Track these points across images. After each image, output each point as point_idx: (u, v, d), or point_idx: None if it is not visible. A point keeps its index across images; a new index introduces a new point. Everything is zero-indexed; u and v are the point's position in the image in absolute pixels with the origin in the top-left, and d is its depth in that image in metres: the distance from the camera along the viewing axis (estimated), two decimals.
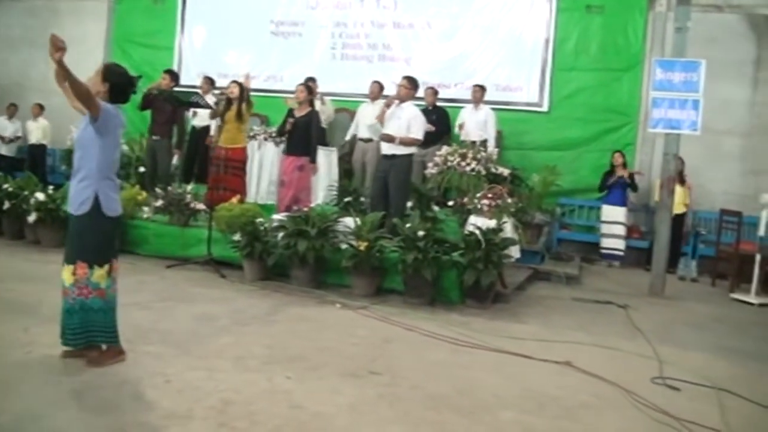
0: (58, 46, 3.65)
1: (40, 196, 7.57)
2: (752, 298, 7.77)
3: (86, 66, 12.49)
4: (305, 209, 7.10)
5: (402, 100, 7.58)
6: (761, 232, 8.05)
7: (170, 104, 8.50)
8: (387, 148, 7.58)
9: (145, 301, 5.71)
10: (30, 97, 12.62)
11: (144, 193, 7.93)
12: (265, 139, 9.12)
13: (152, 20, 12.67)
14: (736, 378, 4.80)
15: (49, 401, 3.50)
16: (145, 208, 7.78)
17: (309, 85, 8.37)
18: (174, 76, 9.25)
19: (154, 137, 8.89)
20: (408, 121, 7.46)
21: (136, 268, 7.01)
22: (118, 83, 4.06)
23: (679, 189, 8.85)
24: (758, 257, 7.96)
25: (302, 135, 8.01)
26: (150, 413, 3.44)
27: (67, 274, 4.01)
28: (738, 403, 4.30)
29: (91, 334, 4.03)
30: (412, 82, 7.66)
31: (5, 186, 8.05)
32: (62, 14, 13.38)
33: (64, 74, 3.73)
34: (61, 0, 13.46)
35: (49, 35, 3.69)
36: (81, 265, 3.98)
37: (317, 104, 9.35)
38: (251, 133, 9.13)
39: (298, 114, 8.05)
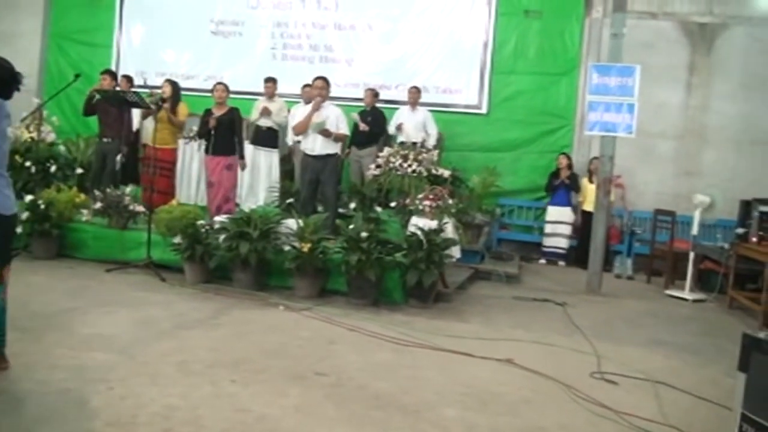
0: None
1: None
2: (686, 294, 8.09)
3: (22, 63, 12.14)
4: (244, 210, 7.08)
5: (324, 100, 7.71)
6: (694, 230, 8.38)
7: (112, 105, 8.33)
8: (320, 149, 7.65)
9: (85, 306, 5.61)
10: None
11: (82, 196, 7.76)
12: (198, 140, 9.02)
13: (90, 17, 12.34)
14: (671, 370, 5.01)
15: None
16: (84, 211, 7.62)
17: (225, 84, 8.26)
18: (113, 76, 9.08)
19: (104, 140, 8.68)
20: (336, 118, 7.68)
21: (75, 272, 6.90)
22: (2, 76, 3.75)
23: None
24: (692, 255, 8.31)
25: (226, 134, 7.93)
26: (94, 421, 3.40)
27: None
28: (674, 395, 4.49)
29: None
30: (328, 82, 7.87)
31: None
32: None
33: None
34: None
35: None
36: None
37: (275, 106, 9.35)
38: (190, 134, 9.02)
39: (218, 113, 7.93)
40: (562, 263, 9.89)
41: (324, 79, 7.84)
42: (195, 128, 9.16)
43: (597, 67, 8.32)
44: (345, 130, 7.79)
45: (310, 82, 9.74)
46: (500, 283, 8.17)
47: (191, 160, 8.98)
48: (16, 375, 3.93)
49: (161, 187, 8.06)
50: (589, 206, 9.34)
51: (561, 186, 9.89)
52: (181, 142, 8.91)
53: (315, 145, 7.67)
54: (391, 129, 9.73)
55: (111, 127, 8.65)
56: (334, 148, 7.67)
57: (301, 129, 7.78)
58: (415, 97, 9.83)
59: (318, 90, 7.74)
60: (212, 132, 7.88)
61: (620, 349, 5.51)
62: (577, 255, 9.66)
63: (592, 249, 8.22)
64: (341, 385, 4.18)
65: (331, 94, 8.03)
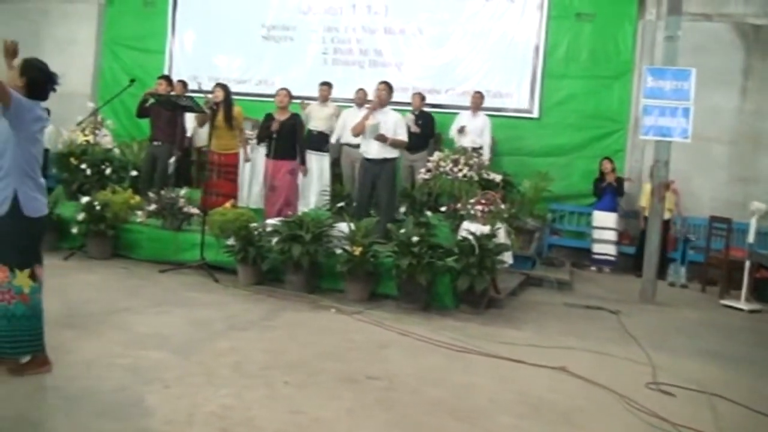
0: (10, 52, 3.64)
1: None
2: (742, 304, 7.87)
3: (77, 68, 12.56)
4: (298, 213, 7.12)
5: (383, 105, 7.70)
6: (750, 238, 8.15)
7: (166, 108, 8.46)
8: (376, 153, 7.64)
9: (139, 306, 5.70)
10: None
11: (137, 197, 7.90)
12: (258, 144, 9.10)
13: (143, 23, 12.63)
14: (727, 383, 4.87)
15: (49, 405, 3.51)
16: (139, 212, 7.76)
17: (287, 89, 8.32)
18: (170, 81, 9.22)
19: (155, 143, 8.83)
20: (394, 124, 7.64)
21: (129, 272, 7.02)
22: (35, 78, 3.87)
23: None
24: (747, 264, 8.06)
25: (288, 139, 7.99)
26: (150, 419, 3.45)
27: None
28: (730, 408, 4.36)
29: (19, 343, 3.84)
30: (390, 87, 7.82)
31: None
32: (52, 17, 13.30)
33: None
34: (52, 3, 13.37)
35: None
36: (2, 269, 3.78)
37: (327, 110, 9.40)
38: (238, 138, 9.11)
39: (281, 118, 8.00)
40: (607, 270, 9.71)
41: (386, 83, 7.82)
42: (248, 132, 9.27)
43: (652, 71, 8.17)
44: (403, 136, 7.71)
45: (360, 86, 9.87)
46: (552, 289, 8.08)
47: (254, 163, 9.07)
48: (73, 372, 3.99)
49: (225, 191, 8.15)
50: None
51: (607, 190, 9.72)
52: (248, 148, 8.99)
53: (372, 149, 7.68)
54: (452, 132, 9.69)
55: (162, 131, 8.78)
56: (391, 153, 7.64)
57: (357, 131, 7.80)
58: (477, 101, 9.81)
59: (377, 92, 7.74)
60: (274, 136, 7.95)
61: (675, 359, 5.39)
62: (634, 262, 9.47)
63: (646, 256, 8.07)
64: (393, 390, 4.16)
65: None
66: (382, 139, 7.56)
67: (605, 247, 9.77)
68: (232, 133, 8.26)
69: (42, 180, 3.94)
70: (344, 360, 4.69)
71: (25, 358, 3.90)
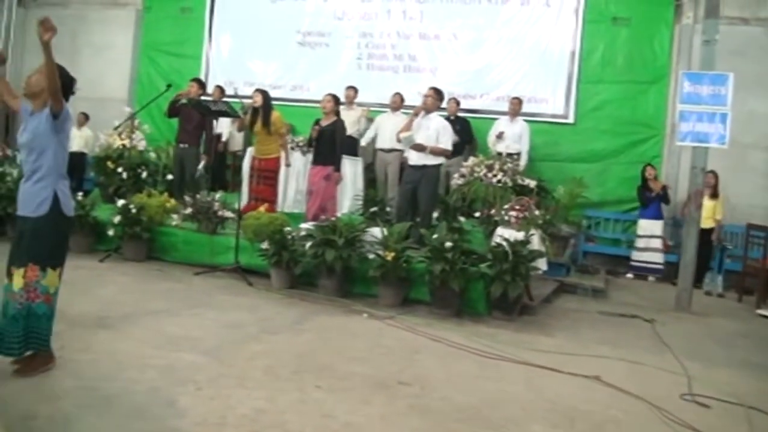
0: (47, 27, 3.65)
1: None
2: None
3: (114, 73, 12.70)
4: (333, 218, 7.15)
5: (429, 111, 7.63)
6: None
7: (199, 112, 8.55)
8: (416, 159, 7.60)
9: (174, 308, 5.77)
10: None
11: (173, 201, 7.99)
12: (293, 149, 9.16)
13: (180, 29, 12.79)
14: (764, 395, 4.76)
15: (82, 405, 3.54)
16: (174, 216, 7.85)
17: (335, 95, 8.38)
18: (201, 85, 9.31)
19: (181, 145, 8.93)
20: (437, 131, 7.54)
21: (164, 274, 7.11)
22: (62, 83, 3.89)
23: (708, 203, 8.81)
24: None
25: (328, 144, 8.04)
26: (183, 420, 3.47)
27: (17, 278, 3.83)
28: (766, 421, 4.26)
29: (31, 341, 3.88)
30: (438, 93, 7.74)
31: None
32: (90, 23, 13.52)
33: (49, 59, 3.63)
34: (90, 9, 13.61)
35: (41, 20, 3.65)
36: (32, 268, 3.82)
37: (354, 114, 9.44)
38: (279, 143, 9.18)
39: (324, 123, 8.08)
40: (652, 278, 9.56)
41: (435, 89, 7.76)
42: (290, 137, 9.36)
43: (689, 75, 8.03)
44: (445, 144, 7.59)
45: (395, 91, 9.89)
46: (586, 297, 7.99)
47: (290, 168, 9.13)
48: (107, 372, 4.05)
49: (264, 196, 8.24)
50: (704, 223, 8.67)
51: (655, 198, 9.58)
52: (298, 154, 9.05)
53: (412, 155, 7.66)
54: (491, 138, 9.65)
55: (190, 134, 8.87)
56: (433, 160, 7.54)
57: (397, 139, 7.84)
58: (516, 107, 9.79)
59: (424, 98, 7.72)
60: (313, 143, 8.07)
61: (711, 370, 5.28)
62: (677, 271, 9.28)
63: (682, 264, 7.94)
64: (425, 396, 4.14)
65: (416, 103, 7.98)
66: (419, 148, 7.52)
67: (652, 256, 9.60)
68: (271, 138, 8.34)
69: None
70: (376, 365, 4.68)
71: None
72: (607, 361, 5.25)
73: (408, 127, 7.64)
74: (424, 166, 7.52)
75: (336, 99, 8.21)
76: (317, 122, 8.17)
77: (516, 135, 9.55)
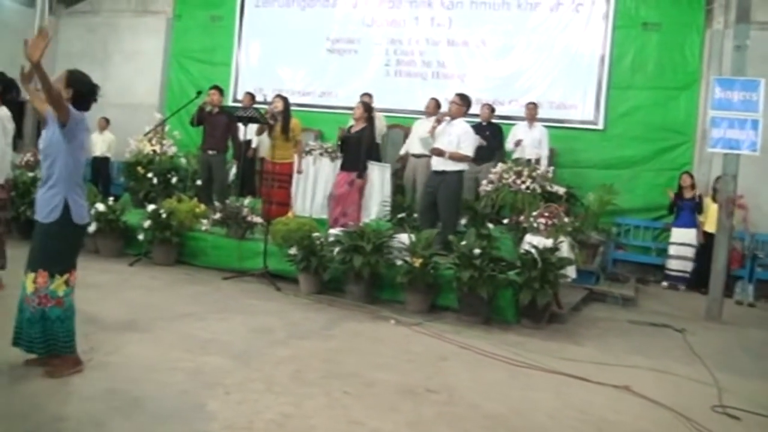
0: (39, 46, 3.51)
1: (100, 206, 7.72)
2: None
3: (145, 79, 12.86)
4: (351, 223, 7.16)
5: (453, 117, 7.64)
6: None
7: (227, 118, 8.61)
8: (437, 164, 7.62)
9: (203, 312, 5.81)
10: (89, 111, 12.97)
11: (202, 206, 8.06)
12: (321, 155, 9.19)
13: (210, 37, 12.96)
14: None
15: (112, 407, 3.57)
16: (204, 221, 7.91)
17: (366, 101, 8.41)
18: (221, 92, 9.38)
19: (209, 152, 9.01)
20: (458, 137, 7.53)
21: (193, 279, 7.17)
22: (81, 90, 3.97)
23: (714, 206, 8.76)
24: None
25: (354, 151, 8.07)
26: (211, 423, 3.49)
27: (29, 282, 3.91)
28: None
29: (52, 343, 3.93)
30: (463, 99, 7.72)
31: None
32: (121, 30, 13.77)
33: (41, 75, 3.56)
34: (121, 16, 13.83)
35: (39, 34, 3.54)
36: (42, 274, 3.89)
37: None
38: (306, 148, 9.23)
39: (354, 130, 8.13)
40: (682, 287, 9.44)
41: (461, 95, 7.77)
42: (311, 143, 9.40)
43: (720, 81, 7.92)
44: (465, 150, 7.55)
45: (425, 97, 9.89)
46: (615, 305, 7.90)
47: (306, 173, 9.16)
48: (137, 375, 4.09)
49: (280, 199, 8.30)
50: (711, 227, 8.87)
51: (687, 206, 9.47)
52: (326, 159, 9.10)
53: (434, 160, 7.67)
54: (509, 145, 9.63)
55: (217, 140, 8.95)
56: (453, 165, 7.53)
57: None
58: (532, 112, 9.73)
59: (449, 104, 7.73)
60: (343, 147, 8.11)
61: (742, 381, 5.18)
62: (697, 279, 9.20)
63: (712, 274, 7.81)
64: (453, 404, 4.12)
65: (442, 109, 7.96)
66: (438, 153, 7.54)
67: (683, 264, 9.48)
68: (288, 144, 8.44)
69: (84, 187, 4.09)
70: (403, 372, 4.67)
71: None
72: (636, 370, 5.19)
73: (431, 132, 7.67)
74: (444, 172, 7.54)
75: (364, 106, 8.22)
76: (348, 129, 8.21)
77: (536, 140, 9.50)
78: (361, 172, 8.08)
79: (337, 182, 8.25)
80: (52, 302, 3.90)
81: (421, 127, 9.39)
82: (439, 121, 7.71)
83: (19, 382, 3.83)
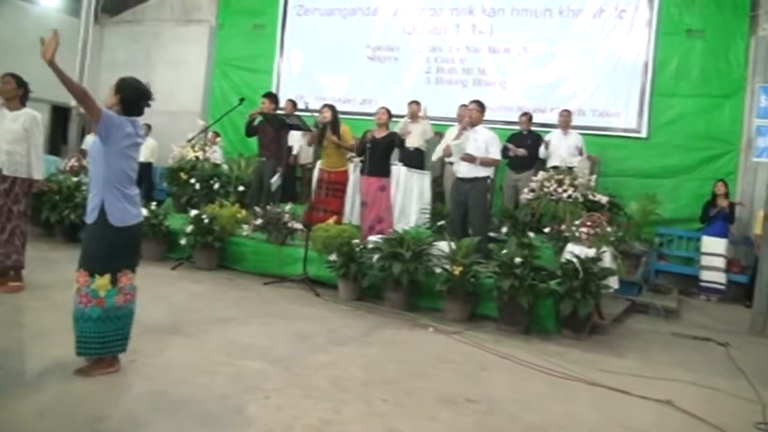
0: (50, 46, 3.60)
1: (144, 211, 7.82)
2: None
3: (188, 87, 13.07)
4: (391, 229, 7.16)
5: (474, 124, 7.65)
6: None
7: (272, 126, 8.69)
8: (466, 172, 7.60)
9: (243, 316, 5.87)
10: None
11: (243, 211, 8.14)
12: (348, 161, 9.22)
13: (252, 45, 13.12)
14: None
15: (153, 409, 3.63)
16: (245, 226, 8.00)
17: (387, 108, 8.42)
18: (274, 99, 9.46)
19: (262, 159, 9.08)
20: (486, 142, 7.54)
21: (234, 283, 7.25)
22: (129, 96, 4.05)
23: None
24: None
25: (383, 156, 8.12)
26: (250, 428, 3.53)
27: (75, 281, 4.06)
28: None
29: (104, 342, 4.03)
30: (481, 106, 7.77)
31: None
32: (164, 39, 14.07)
33: (57, 73, 3.64)
34: (165, 25, 14.12)
35: (51, 35, 3.62)
36: (83, 273, 4.00)
37: (419, 127, 9.47)
38: (347, 156, 9.25)
39: (378, 135, 8.15)
40: (714, 299, 9.24)
41: (478, 102, 7.81)
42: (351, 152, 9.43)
43: (765, 89, 7.74)
44: (494, 154, 7.62)
45: (463, 103, 9.85)
46: (658, 317, 7.76)
47: (356, 181, 9.18)
48: (178, 378, 4.15)
49: (332, 208, 8.38)
50: None
51: (718, 215, 9.29)
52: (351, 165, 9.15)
53: (462, 168, 7.65)
54: (542, 152, 9.56)
55: (268, 148, 9.01)
56: (482, 172, 7.54)
57: (446, 152, 7.83)
58: (566, 120, 9.64)
59: (468, 112, 7.72)
60: (369, 152, 8.08)
61: None
62: (745, 292, 8.98)
63: (757, 286, 7.62)
64: (492, 414, 4.09)
65: (484, 117, 7.93)
66: (469, 159, 7.51)
67: (714, 275, 9.31)
68: (339, 152, 8.48)
69: (131, 191, 4.13)
70: (442, 380, 4.65)
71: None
72: (679, 384, 5.09)
73: (457, 138, 7.67)
74: (475, 179, 7.54)
75: (389, 112, 8.30)
76: (367, 133, 8.26)
77: (572, 147, 9.39)
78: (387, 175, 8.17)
79: (366, 189, 8.21)
80: (92, 302, 3.98)
81: (453, 135, 9.40)
82: (464, 128, 7.70)
83: (62, 382, 3.91)
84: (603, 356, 5.72)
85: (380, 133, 8.16)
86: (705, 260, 9.41)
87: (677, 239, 10.10)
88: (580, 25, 10.79)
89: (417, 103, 9.87)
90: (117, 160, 4.00)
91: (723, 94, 9.99)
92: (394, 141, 8.19)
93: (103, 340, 4.01)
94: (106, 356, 4.08)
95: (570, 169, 8.83)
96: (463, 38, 11.43)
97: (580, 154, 9.37)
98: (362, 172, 8.31)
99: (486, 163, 7.55)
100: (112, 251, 4.04)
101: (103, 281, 3.99)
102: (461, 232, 7.38)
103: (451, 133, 9.61)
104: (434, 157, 9.76)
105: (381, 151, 8.10)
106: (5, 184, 5.84)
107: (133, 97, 4.07)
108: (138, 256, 4.28)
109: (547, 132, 9.89)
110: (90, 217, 4.03)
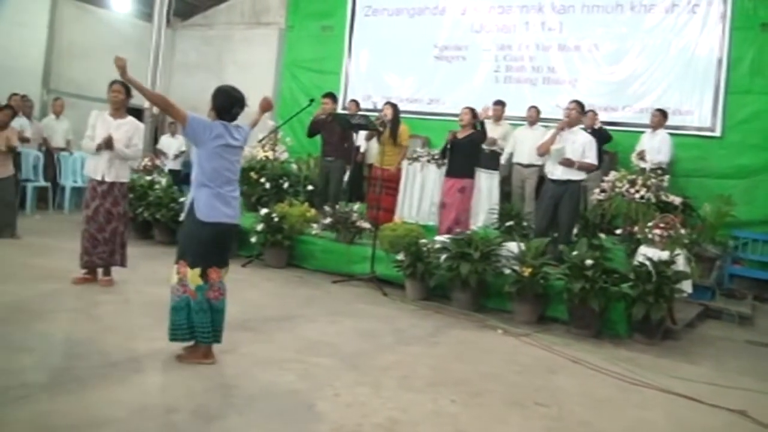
0: (119, 65, 4.26)
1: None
2: None
3: (258, 89, 13.45)
4: (468, 232, 7.14)
5: (572, 125, 7.48)
6: None
7: (339, 125, 8.78)
8: (560, 174, 7.40)
9: (312, 314, 5.98)
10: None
11: (312, 211, 8.26)
12: (428, 161, 9.22)
13: (321, 46, 13.25)
14: None
15: (224, 403, 3.73)
16: (314, 225, 8.12)
17: (471, 108, 8.36)
18: (334, 99, 9.55)
19: (327, 158, 9.19)
20: (583, 146, 7.35)
21: (303, 281, 7.38)
22: (220, 103, 4.36)
23: None
24: None
25: (463, 157, 8.03)
26: (320, 424, 3.58)
27: (173, 273, 4.32)
28: None
29: (194, 331, 4.31)
30: (580, 106, 7.58)
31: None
32: (234, 42, 14.34)
33: (134, 85, 4.24)
34: (234, 29, 14.40)
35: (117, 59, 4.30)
36: (182, 264, 4.28)
37: (500, 130, 9.42)
38: (414, 155, 9.27)
39: (460, 136, 8.07)
40: None
41: (577, 102, 7.63)
42: (419, 150, 9.45)
43: None
44: (592, 159, 7.39)
45: (532, 104, 9.77)
46: (732, 323, 7.50)
47: (414, 180, 9.20)
48: (250, 373, 4.26)
49: (386, 205, 8.44)
50: None
51: None
52: (405, 162, 9.16)
53: (557, 170, 7.45)
54: (634, 157, 9.28)
55: (335, 147, 9.10)
56: (577, 175, 7.37)
57: (543, 151, 7.59)
58: (657, 120, 9.40)
59: (567, 112, 7.58)
60: (450, 154, 8.07)
61: None
62: None
63: None
64: (562, 419, 4.05)
65: (554, 116, 7.81)
66: (568, 163, 7.32)
67: None
68: (396, 150, 8.55)
69: (225, 191, 4.36)
70: (511, 383, 4.63)
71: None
72: (753, 394, 4.91)
73: (552, 140, 7.45)
74: (568, 181, 7.35)
75: (473, 112, 8.17)
76: (452, 134, 8.22)
77: (655, 149, 9.15)
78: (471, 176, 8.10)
79: (446, 190, 8.16)
80: (188, 292, 4.25)
81: (524, 136, 9.31)
82: (561, 129, 7.52)
83: (138, 374, 4.07)
84: (675, 362, 5.58)
85: (463, 134, 8.08)
86: None
87: (753, 242, 9.73)
88: (653, 20, 10.50)
89: (502, 104, 9.78)
90: (209, 161, 4.28)
91: None
92: (474, 139, 8.05)
93: (193, 329, 4.29)
94: (201, 345, 4.33)
95: (655, 170, 8.62)
96: (532, 36, 11.28)
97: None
98: (445, 173, 8.29)
99: (584, 167, 7.38)
100: (200, 246, 4.27)
101: (193, 274, 4.24)
102: (547, 234, 7.21)
103: (521, 132, 9.55)
104: (503, 158, 9.67)
105: (462, 152, 7.99)
106: (103, 186, 6.17)
107: (224, 104, 4.37)
108: (227, 254, 4.52)
109: (620, 131, 9.70)
110: (184, 213, 4.40)
